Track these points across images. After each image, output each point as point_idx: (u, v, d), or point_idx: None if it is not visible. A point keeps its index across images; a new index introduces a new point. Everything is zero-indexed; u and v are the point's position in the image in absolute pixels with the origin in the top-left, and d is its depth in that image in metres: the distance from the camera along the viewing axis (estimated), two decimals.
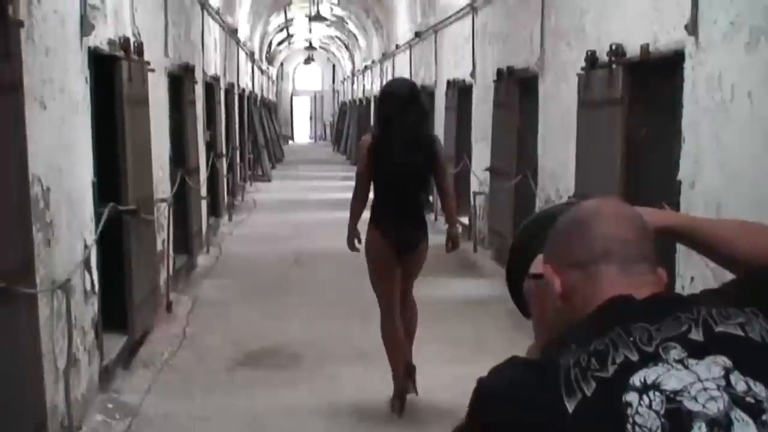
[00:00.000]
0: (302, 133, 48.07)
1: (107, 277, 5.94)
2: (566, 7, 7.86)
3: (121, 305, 6.32)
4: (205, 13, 11.88)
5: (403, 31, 19.38)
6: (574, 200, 1.82)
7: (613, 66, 6.44)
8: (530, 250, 1.73)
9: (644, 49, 5.94)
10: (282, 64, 45.65)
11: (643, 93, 6.26)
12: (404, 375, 5.62)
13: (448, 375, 6.36)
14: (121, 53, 6.31)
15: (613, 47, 6.41)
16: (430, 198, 15.37)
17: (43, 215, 4.43)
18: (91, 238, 5.44)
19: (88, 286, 5.38)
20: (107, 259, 5.97)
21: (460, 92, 12.90)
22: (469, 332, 7.53)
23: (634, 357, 1.27)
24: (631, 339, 1.30)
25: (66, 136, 4.96)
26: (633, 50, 6.15)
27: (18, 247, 3.84)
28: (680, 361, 1.27)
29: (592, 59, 6.87)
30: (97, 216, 5.57)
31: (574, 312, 1.43)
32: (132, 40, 6.74)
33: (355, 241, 5.80)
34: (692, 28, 5.17)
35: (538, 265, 1.62)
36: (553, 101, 8.28)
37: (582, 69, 7.06)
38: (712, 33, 4.97)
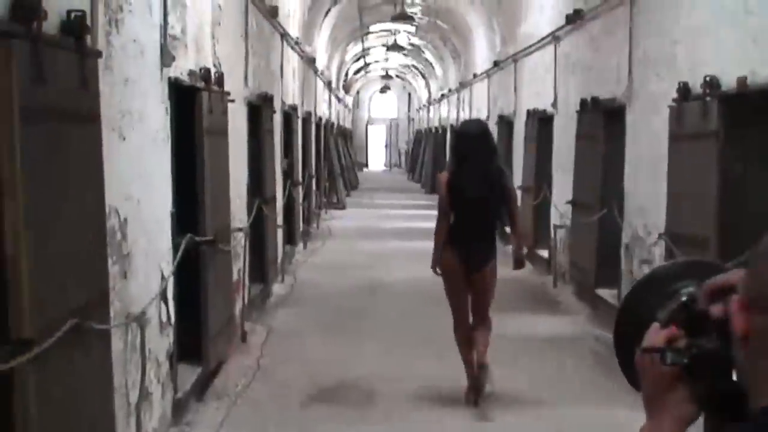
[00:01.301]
0: (377, 160, 48.20)
1: (182, 306, 5.86)
2: (656, 36, 7.60)
3: (195, 335, 6.24)
4: (285, 42, 11.90)
5: (482, 60, 19.22)
6: (695, 258, 1.61)
7: (708, 99, 6.16)
8: (642, 315, 1.54)
9: (741, 81, 5.66)
10: (358, 92, 45.91)
11: (740, 127, 5.97)
12: (477, 373, 6.20)
13: (528, 418, 6.13)
14: (201, 84, 6.27)
15: (707, 79, 6.13)
16: (507, 229, 15.15)
17: (119, 247, 4.35)
18: (168, 269, 5.37)
19: (164, 318, 5.30)
20: (182, 289, 5.89)
21: (540, 122, 12.64)
22: (548, 373, 7.27)
23: None
24: None
25: (144, 166, 4.90)
26: (728, 83, 5.87)
27: (92, 281, 3.76)
28: None
29: (684, 91, 6.59)
30: (175, 247, 5.50)
31: (753, 366, 1.16)
32: (212, 70, 6.70)
33: (437, 267, 6.38)
34: None
35: (651, 336, 1.42)
36: (641, 133, 8.00)
37: (674, 101, 6.78)
38: None
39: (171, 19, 5.51)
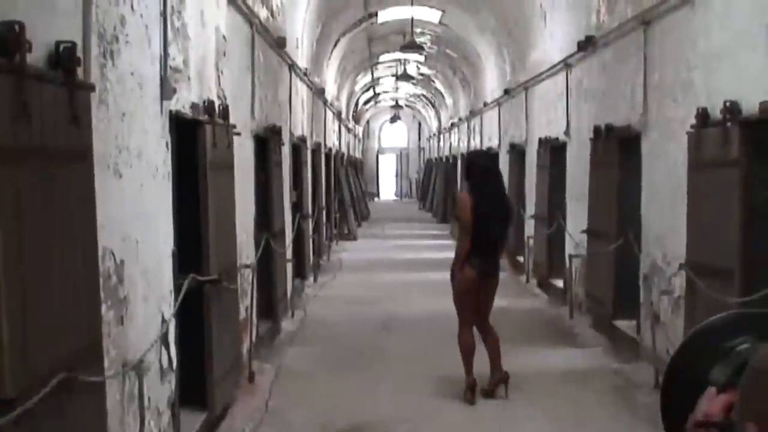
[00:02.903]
0: (388, 190, 48.14)
1: (185, 348, 5.61)
2: (671, 61, 7.39)
3: (200, 378, 5.99)
4: (293, 74, 11.75)
5: (492, 88, 19.06)
6: (748, 310, 1.40)
7: (728, 124, 5.93)
8: (693, 376, 1.33)
9: (764, 107, 5.43)
10: (368, 122, 45.93)
11: (763, 153, 5.73)
12: (496, 379, 7.22)
13: None
14: (204, 117, 6.07)
15: (727, 104, 5.91)
16: (521, 258, 14.94)
17: (115, 291, 4.13)
18: (169, 311, 5.13)
19: (165, 363, 5.05)
20: (186, 330, 5.65)
21: (553, 150, 12.42)
22: (567, 409, 7.00)
23: None
24: None
25: (143, 205, 4.69)
26: (750, 108, 5.65)
27: (84, 329, 3.52)
28: None
29: (703, 117, 6.38)
30: (177, 288, 5.26)
31: None
32: (217, 102, 6.51)
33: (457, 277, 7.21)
34: None
35: (707, 403, 1.20)
36: (658, 160, 7.76)
37: (692, 127, 6.56)
38: None
39: (172, 50, 5.32)
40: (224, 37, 7.12)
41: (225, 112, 6.73)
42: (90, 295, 3.61)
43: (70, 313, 3.36)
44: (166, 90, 5.09)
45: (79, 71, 3.50)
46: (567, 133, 11.49)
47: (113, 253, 4.08)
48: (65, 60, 3.35)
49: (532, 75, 13.95)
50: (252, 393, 7.31)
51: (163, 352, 5.01)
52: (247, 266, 7.72)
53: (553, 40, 12.39)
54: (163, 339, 4.97)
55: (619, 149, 9.01)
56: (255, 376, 7.62)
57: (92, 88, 3.69)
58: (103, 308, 3.89)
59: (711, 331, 1.42)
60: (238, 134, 7.23)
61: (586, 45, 10.16)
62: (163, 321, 5.01)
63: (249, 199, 8.31)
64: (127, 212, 4.37)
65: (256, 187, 8.74)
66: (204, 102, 6.18)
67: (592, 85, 10.30)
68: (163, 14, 5.07)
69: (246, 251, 7.91)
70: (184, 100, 5.65)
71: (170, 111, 5.28)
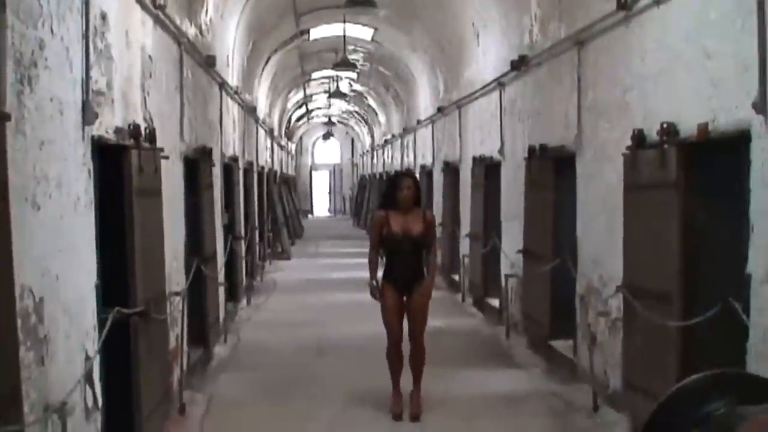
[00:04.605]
0: (321, 206, 47.98)
1: (112, 384, 5.32)
2: (606, 82, 7.38)
3: (128, 414, 5.72)
4: (223, 92, 11.53)
5: (425, 106, 19.06)
6: (723, 370, 1.34)
7: (665, 146, 5.91)
8: None
9: (702, 128, 5.42)
10: (301, 139, 45.76)
11: (701, 175, 5.73)
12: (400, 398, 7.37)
13: None
14: (130, 141, 5.83)
15: (664, 126, 5.90)
16: (456, 277, 14.91)
17: (35, 331, 3.88)
18: (93, 348, 4.86)
19: (90, 403, 4.79)
20: (112, 365, 5.37)
21: (488, 169, 12.40)
22: None
23: None
24: None
25: (64, 237, 4.44)
26: (688, 129, 5.65)
27: (1, 375, 3.28)
28: None
29: (639, 138, 6.36)
30: (101, 323, 5.00)
31: None
32: (143, 125, 6.27)
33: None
34: (761, 105, 4.66)
35: None
36: (593, 181, 7.75)
37: (627, 149, 6.54)
38: None
39: (94, 72, 5.09)
40: (150, 57, 6.89)
41: (152, 135, 6.48)
42: (7, 337, 3.37)
43: None
44: (89, 115, 4.85)
45: None
46: (501, 152, 11.47)
47: (32, 291, 3.84)
48: None
49: (465, 93, 13.94)
50: (183, 426, 7.03)
51: (88, 392, 4.75)
52: (177, 293, 7.46)
53: (486, 59, 12.39)
54: (88, 377, 4.72)
55: (554, 169, 9.00)
56: (186, 408, 7.35)
57: (8, 117, 3.46)
58: (22, 350, 3.65)
59: (687, 395, 1.34)
60: (166, 158, 6.98)
61: (520, 64, 10.16)
62: (87, 358, 4.75)
63: (179, 224, 8.06)
64: (46, 246, 4.12)
65: (185, 211, 8.48)
66: (129, 125, 5.93)
67: (526, 104, 10.30)
68: (85, 36, 4.84)
69: (176, 278, 7.65)
70: (107, 124, 5.41)
71: (93, 136, 5.02)
